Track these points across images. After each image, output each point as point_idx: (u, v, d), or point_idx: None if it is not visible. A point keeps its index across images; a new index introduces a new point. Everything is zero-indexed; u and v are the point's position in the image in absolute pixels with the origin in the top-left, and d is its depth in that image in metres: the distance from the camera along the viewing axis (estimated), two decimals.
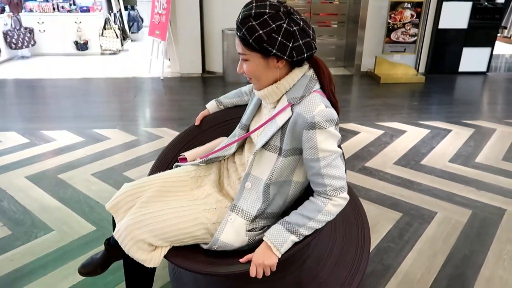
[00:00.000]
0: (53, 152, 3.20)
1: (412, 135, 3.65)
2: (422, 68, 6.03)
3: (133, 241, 1.28)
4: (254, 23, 1.16)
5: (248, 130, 1.49)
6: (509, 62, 7.60)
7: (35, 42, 6.92)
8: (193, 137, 1.84)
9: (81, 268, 1.60)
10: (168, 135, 3.60)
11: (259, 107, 1.48)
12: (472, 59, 6.03)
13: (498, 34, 9.23)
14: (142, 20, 9.01)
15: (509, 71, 6.90)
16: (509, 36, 9.21)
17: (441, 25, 5.76)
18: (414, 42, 5.59)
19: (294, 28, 1.17)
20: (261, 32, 1.15)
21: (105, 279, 1.87)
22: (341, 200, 1.25)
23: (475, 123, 3.97)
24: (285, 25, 1.16)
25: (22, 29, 6.68)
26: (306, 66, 1.29)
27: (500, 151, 3.34)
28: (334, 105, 1.28)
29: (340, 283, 1.63)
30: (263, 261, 1.20)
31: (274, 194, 1.32)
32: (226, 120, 1.85)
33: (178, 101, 4.84)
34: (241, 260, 1.26)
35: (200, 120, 1.81)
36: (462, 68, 6.07)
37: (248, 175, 1.36)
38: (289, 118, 1.25)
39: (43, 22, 6.95)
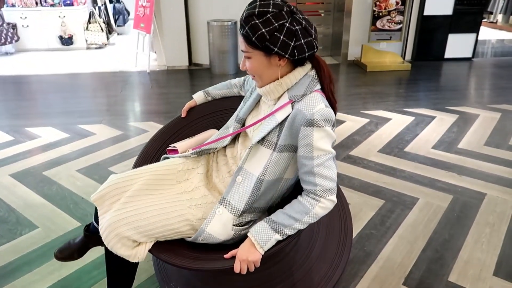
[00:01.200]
0: (38, 149, 3.19)
1: (396, 122, 3.69)
2: (408, 56, 6.05)
3: (117, 238, 1.29)
4: (257, 21, 1.18)
5: (243, 124, 1.50)
6: (495, 48, 7.67)
7: (18, 37, 6.83)
8: (179, 128, 1.83)
9: (57, 253, 1.63)
10: (154, 128, 3.59)
11: (257, 102, 1.48)
12: (458, 45, 6.07)
13: (484, 20, 9.32)
14: (128, 13, 8.90)
15: (495, 56, 6.97)
16: (495, 21, 9.27)
17: (426, 12, 5.78)
18: (400, 29, 5.61)
19: (297, 27, 1.19)
20: (263, 30, 1.17)
21: (90, 273, 1.89)
22: (329, 202, 1.26)
23: (459, 109, 4.02)
24: (287, 24, 1.18)
25: (4, 25, 6.58)
26: (308, 66, 1.31)
27: (482, 137, 3.39)
28: (333, 105, 1.30)
29: (322, 276, 1.66)
30: (247, 257, 1.23)
31: (264, 190, 1.33)
32: (213, 112, 1.85)
33: (165, 94, 4.83)
34: (226, 256, 1.29)
35: (186, 111, 1.81)
36: (448, 54, 6.11)
37: (240, 169, 1.37)
38: (289, 115, 1.27)
39: (26, 17, 6.85)
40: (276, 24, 1.17)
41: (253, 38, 1.19)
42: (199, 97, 1.82)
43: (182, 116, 1.81)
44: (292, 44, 1.19)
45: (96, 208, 1.45)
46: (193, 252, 1.39)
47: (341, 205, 1.84)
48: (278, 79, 1.29)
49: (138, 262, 1.40)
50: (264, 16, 1.17)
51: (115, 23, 8.44)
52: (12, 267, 1.93)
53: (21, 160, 3.00)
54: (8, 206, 2.41)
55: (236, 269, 1.23)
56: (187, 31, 5.64)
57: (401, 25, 5.58)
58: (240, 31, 1.24)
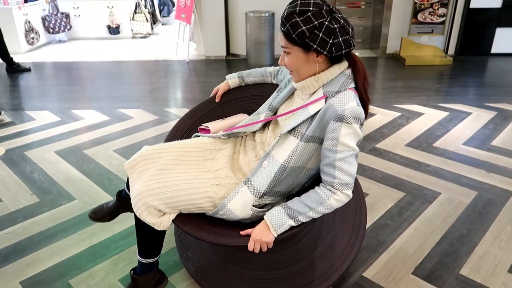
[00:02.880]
0: (80, 130, 3.45)
1: (429, 117, 3.62)
2: (451, 50, 5.84)
3: (145, 206, 1.40)
4: (298, 19, 1.25)
5: (275, 113, 1.59)
6: None
7: (71, 26, 7.26)
8: (211, 109, 1.92)
9: (92, 213, 1.82)
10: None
11: (292, 94, 1.56)
12: (506, 40, 5.76)
13: None
14: (173, 4, 9.17)
15: None
16: None
17: (473, 4, 5.54)
18: (443, 22, 5.42)
19: (335, 25, 1.25)
20: (304, 28, 1.24)
21: (117, 242, 2.07)
22: (344, 196, 1.33)
23: (498, 106, 3.87)
24: (326, 23, 1.24)
25: (59, 14, 7.02)
26: (345, 64, 1.37)
27: None
28: (365, 103, 1.37)
29: (330, 265, 1.74)
30: (261, 237, 1.32)
31: (286, 176, 1.41)
32: (245, 97, 1.93)
33: (202, 82, 5.00)
34: (242, 232, 1.40)
35: (220, 97, 1.91)
36: (495, 49, 5.82)
37: (267, 155, 1.45)
38: (321, 109, 1.34)
39: (78, 7, 7.26)
40: (315, 22, 1.24)
41: (293, 35, 1.26)
42: (233, 82, 1.90)
43: (216, 101, 1.90)
44: (330, 41, 1.25)
45: (127, 176, 1.61)
46: (211, 226, 1.50)
47: (358, 197, 1.90)
48: (315, 74, 1.36)
49: (165, 231, 1.52)
50: (305, 14, 1.24)
51: (160, 13, 8.74)
52: (51, 233, 2.15)
53: (65, 139, 3.26)
54: (51, 179, 2.66)
55: (250, 247, 1.33)
56: (226, 22, 5.77)
57: (444, 18, 5.39)
58: (281, 28, 1.31)
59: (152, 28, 7.62)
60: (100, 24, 7.38)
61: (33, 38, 6.53)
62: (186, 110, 3.84)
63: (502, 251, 1.99)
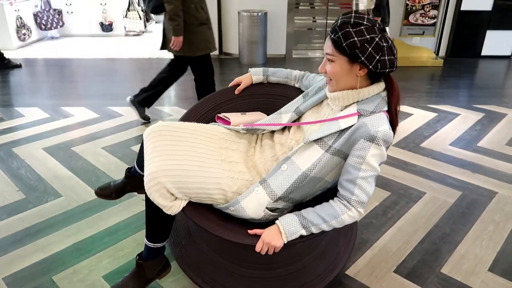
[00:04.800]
0: (69, 127, 3.44)
1: (417, 118, 3.66)
2: (442, 52, 5.90)
3: (158, 186, 1.36)
4: (351, 30, 1.27)
5: (300, 116, 1.60)
6: None
7: (63, 23, 7.23)
8: (229, 99, 1.91)
9: (98, 190, 1.82)
10: (179, 113, 3.76)
11: (320, 102, 1.56)
12: (496, 42, 5.84)
13: None
14: None
15: None
16: None
17: (464, 7, 5.59)
18: (434, 24, 5.47)
19: (384, 44, 1.28)
20: (356, 39, 1.26)
21: (102, 239, 2.07)
22: (357, 213, 1.35)
23: (485, 108, 3.91)
24: (377, 39, 1.27)
25: (51, 11, 6.99)
26: (382, 85, 1.39)
27: (505, 136, 3.31)
28: (394, 127, 1.39)
29: (318, 273, 1.77)
30: (270, 241, 1.32)
31: (305, 184, 1.41)
32: (266, 94, 1.93)
33: (193, 80, 4.98)
34: (250, 231, 1.39)
35: (241, 90, 1.89)
36: (485, 52, 5.89)
37: (288, 159, 1.44)
38: (353, 125, 1.34)
39: (70, 4, 7.23)
40: (367, 36, 1.26)
41: (344, 44, 1.28)
42: (257, 79, 1.89)
43: (236, 93, 1.89)
44: (377, 57, 1.28)
45: (138, 152, 1.63)
46: (219, 219, 1.48)
47: None
48: (352, 88, 1.38)
49: (174, 217, 1.51)
50: (358, 26, 1.27)
51: None
52: (36, 229, 2.15)
53: (54, 136, 3.25)
54: (38, 176, 2.65)
55: (258, 248, 1.34)
56: (219, 20, 5.78)
57: (435, 20, 5.44)
58: (331, 35, 1.32)
59: (145, 26, 7.60)
60: (93, 21, 7.35)
61: (24, 34, 6.49)
62: (176, 108, 3.90)
63: (483, 250, 2.02)
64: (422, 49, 5.63)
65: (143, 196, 2.39)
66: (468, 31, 5.76)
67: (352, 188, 1.32)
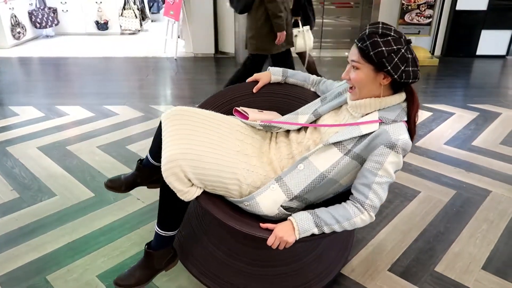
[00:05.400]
0: (64, 126, 3.42)
1: None
2: (438, 51, 5.92)
3: (176, 169, 1.35)
4: (379, 39, 1.31)
5: (318, 119, 1.61)
6: None
7: (58, 21, 7.19)
8: (246, 94, 1.90)
9: (108, 182, 1.80)
10: None
11: (340, 106, 1.59)
12: (491, 42, 5.86)
13: None
14: (163, 1, 9.13)
15: None
16: None
17: (459, 6, 5.62)
18: (429, 24, 5.48)
19: (409, 55, 1.32)
20: (383, 48, 1.30)
21: (97, 239, 2.06)
22: (369, 218, 1.37)
23: (480, 107, 3.93)
24: (403, 50, 1.31)
25: (46, 9, 6.95)
26: (403, 96, 1.41)
27: (499, 135, 3.33)
28: (412, 136, 1.40)
29: (315, 275, 1.77)
30: (283, 236, 1.33)
31: (321, 185, 1.43)
32: (283, 94, 1.93)
33: (189, 80, 4.99)
34: (262, 225, 1.39)
35: (259, 88, 1.89)
36: (480, 51, 5.91)
37: (305, 159, 1.45)
38: (374, 131, 1.36)
39: (66, 2, 7.19)
40: (394, 47, 1.30)
41: (371, 53, 1.31)
42: (276, 78, 1.90)
43: (254, 91, 1.89)
44: (402, 68, 1.31)
45: (153, 140, 1.67)
46: (231, 211, 1.47)
47: None
48: (374, 96, 1.41)
49: (188, 205, 1.50)
50: (386, 37, 1.31)
51: (150, 10, 8.69)
52: (30, 228, 2.14)
53: (49, 135, 3.24)
54: (33, 175, 2.64)
55: (269, 242, 1.35)
56: (215, 19, 5.77)
57: (430, 19, 5.45)
58: (358, 44, 1.36)
59: (141, 25, 7.58)
60: (88, 19, 7.31)
61: (19, 32, 6.45)
62: (172, 108, 3.86)
63: (477, 248, 2.03)
64: (417, 48, 5.64)
65: (138, 195, 2.40)
66: (463, 30, 5.78)
67: (366, 192, 1.35)
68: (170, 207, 1.52)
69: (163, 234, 1.57)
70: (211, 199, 1.46)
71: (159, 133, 1.63)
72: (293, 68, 3.24)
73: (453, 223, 2.23)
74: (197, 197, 1.43)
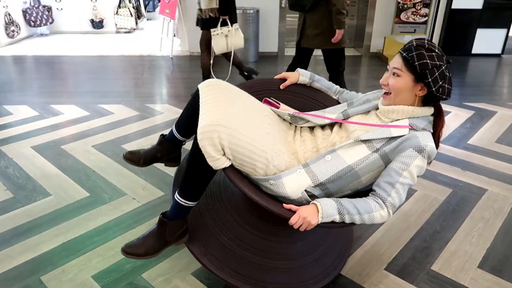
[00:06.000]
0: (59, 125, 3.40)
1: None
2: None
3: (213, 134, 1.34)
4: (425, 53, 1.40)
5: (347, 118, 1.66)
6: None
7: (53, 20, 7.14)
8: (270, 88, 1.91)
9: (127, 153, 1.78)
10: (170, 111, 3.74)
11: (368, 111, 1.63)
12: (487, 40, 5.89)
13: None
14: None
15: None
16: None
17: (455, 5, 5.63)
18: (425, 22, 5.50)
19: (448, 74, 1.43)
20: (428, 61, 1.40)
21: (92, 239, 2.05)
22: (388, 215, 1.42)
23: (476, 106, 3.94)
24: (443, 68, 1.41)
25: (40, 7, 6.90)
26: (431, 110, 1.50)
27: (495, 134, 3.34)
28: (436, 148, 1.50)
29: (311, 276, 1.77)
30: (307, 217, 1.37)
31: (346, 177, 1.46)
32: (306, 96, 1.94)
33: (185, 79, 4.97)
34: (285, 205, 1.42)
35: (286, 86, 1.91)
36: (476, 50, 5.94)
37: (333, 151, 1.49)
38: (403, 135, 1.43)
39: (60, 0, 7.14)
40: (437, 62, 1.40)
41: (416, 63, 1.40)
42: (303, 80, 1.92)
43: (281, 88, 1.90)
44: (441, 83, 1.41)
45: (181, 114, 1.67)
46: (254, 187, 1.48)
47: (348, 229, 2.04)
48: (408, 105, 1.48)
49: (213, 176, 1.50)
50: (431, 52, 1.41)
51: (145, 8, 8.65)
52: (24, 228, 2.12)
53: (43, 134, 3.21)
54: (27, 175, 2.61)
55: (293, 220, 1.37)
56: None
57: (426, 18, 5.46)
58: (403, 53, 1.45)
59: (136, 23, 7.55)
60: (83, 18, 7.27)
61: (13, 31, 6.40)
62: (167, 106, 3.88)
63: (473, 247, 2.04)
64: None
65: (133, 195, 2.39)
66: (459, 29, 5.80)
67: (389, 190, 1.40)
68: (196, 174, 1.50)
69: (182, 203, 1.55)
70: (237, 173, 1.47)
71: (191, 105, 1.63)
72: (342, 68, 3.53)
73: (449, 221, 2.23)
74: (224, 169, 1.42)
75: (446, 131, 3.29)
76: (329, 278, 1.80)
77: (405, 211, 2.31)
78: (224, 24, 3.82)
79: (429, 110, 1.49)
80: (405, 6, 5.37)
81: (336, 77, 3.61)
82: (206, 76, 4.12)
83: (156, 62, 5.59)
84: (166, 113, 3.67)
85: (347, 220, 1.40)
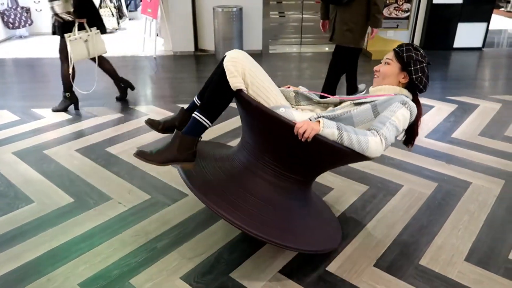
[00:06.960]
0: (41, 129, 3.33)
1: None
2: (416, 44, 5.97)
3: (237, 60, 1.69)
4: (412, 49, 1.82)
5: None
6: (511, 37, 7.48)
7: (32, 21, 6.98)
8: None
9: (148, 119, 1.98)
10: (154, 112, 3.69)
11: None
12: (468, 34, 5.97)
13: (502, 9, 9.09)
14: None
15: (510, 46, 6.82)
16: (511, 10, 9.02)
17: (436, 0, 5.69)
18: (407, 17, 5.54)
19: (427, 71, 1.83)
20: (413, 55, 1.80)
21: (78, 245, 2.00)
22: (380, 145, 1.63)
23: (459, 99, 4.00)
24: (424, 64, 1.81)
25: (18, 9, 6.74)
26: (411, 97, 1.85)
27: (478, 127, 3.39)
28: (414, 138, 1.94)
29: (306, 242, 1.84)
30: (310, 123, 1.60)
31: (344, 118, 1.72)
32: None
33: (169, 79, 4.91)
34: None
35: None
36: (457, 44, 6.02)
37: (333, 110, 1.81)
38: (388, 98, 1.75)
39: (39, 1, 6.99)
40: (420, 59, 1.80)
41: (404, 54, 1.80)
42: (288, 92, 2.01)
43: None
44: (420, 75, 1.80)
45: (205, 84, 1.86)
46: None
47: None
48: (393, 85, 1.84)
49: (229, 103, 1.75)
50: (417, 51, 1.82)
51: (127, 8, 8.53)
52: (8, 237, 2.06)
53: (25, 139, 3.14)
54: (8, 182, 2.55)
55: (298, 126, 1.59)
56: (194, 17, 5.70)
57: (408, 13, 5.51)
58: (396, 49, 1.84)
59: (118, 23, 7.44)
60: None
61: None
62: (152, 107, 3.84)
63: (459, 240, 2.06)
64: (396, 42, 5.68)
65: (119, 199, 2.35)
66: (440, 24, 5.86)
67: (381, 125, 1.66)
68: (218, 93, 1.73)
69: (199, 119, 1.74)
70: (249, 96, 1.70)
71: (215, 73, 1.79)
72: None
73: (435, 215, 2.26)
74: (240, 90, 1.68)
75: (430, 125, 3.36)
76: (321, 246, 1.87)
77: (392, 207, 2.32)
78: (81, 28, 3.59)
79: (410, 96, 1.84)
80: (388, 1, 5.40)
81: (336, 75, 3.66)
82: (69, 88, 3.76)
83: (139, 63, 5.52)
84: (151, 114, 3.62)
85: (345, 138, 1.60)
